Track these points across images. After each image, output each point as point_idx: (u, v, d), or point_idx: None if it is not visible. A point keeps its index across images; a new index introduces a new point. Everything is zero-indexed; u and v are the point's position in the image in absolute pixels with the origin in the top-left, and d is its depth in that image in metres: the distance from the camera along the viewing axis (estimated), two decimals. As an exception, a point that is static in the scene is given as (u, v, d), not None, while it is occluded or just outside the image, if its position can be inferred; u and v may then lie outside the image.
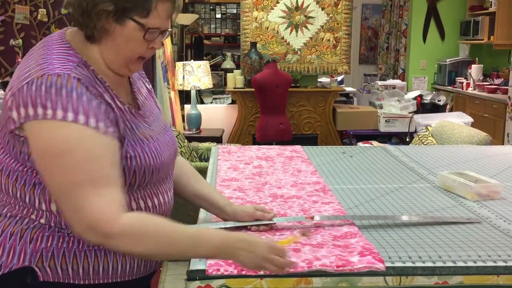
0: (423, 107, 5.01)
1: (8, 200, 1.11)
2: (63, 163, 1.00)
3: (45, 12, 4.13)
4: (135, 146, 1.10)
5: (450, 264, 1.13)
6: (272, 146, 2.38)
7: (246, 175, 1.86)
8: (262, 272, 1.07)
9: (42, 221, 1.09)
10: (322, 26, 5.14)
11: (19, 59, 4.27)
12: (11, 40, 4.12)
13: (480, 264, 1.14)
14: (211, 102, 5.89)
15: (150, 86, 1.34)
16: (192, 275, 1.08)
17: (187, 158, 3.21)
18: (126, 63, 1.13)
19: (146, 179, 1.13)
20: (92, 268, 1.10)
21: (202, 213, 1.45)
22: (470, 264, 1.13)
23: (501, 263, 1.14)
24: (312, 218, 1.35)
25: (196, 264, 1.11)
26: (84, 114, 1.01)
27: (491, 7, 6.26)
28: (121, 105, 1.12)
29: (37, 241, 1.08)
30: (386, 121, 4.89)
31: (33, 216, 1.09)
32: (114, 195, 1.02)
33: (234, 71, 5.29)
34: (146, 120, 1.19)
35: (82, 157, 1.01)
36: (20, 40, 4.08)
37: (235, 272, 1.08)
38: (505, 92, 5.56)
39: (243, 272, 1.08)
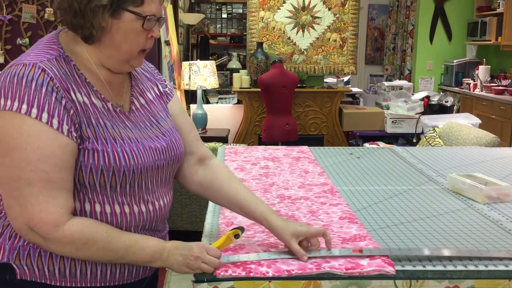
0: (430, 108, 4.98)
1: None
2: (13, 157, 0.99)
3: (52, 11, 4.13)
4: (105, 144, 1.07)
5: (461, 267, 1.11)
6: (279, 147, 2.37)
7: (253, 175, 1.85)
8: (270, 274, 1.06)
9: None
10: (328, 26, 5.13)
11: (26, 58, 4.27)
12: (18, 39, 4.13)
13: (491, 268, 1.12)
14: (217, 102, 5.89)
15: (164, 89, 1.29)
16: (200, 277, 1.07)
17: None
18: (127, 58, 1.11)
19: (126, 180, 1.09)
20: (69, 271, 1.09)
21: (210, 213, 1.44)
22: (481, 268, 1.12)
23: (513, 267, 1.12)
24: (360, 251, 1.14)
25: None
26: (37, 107, 1.00)
27: (498, 8, 6.22)
28: (100, 102, 1.10)
29: (15, 238, 1.08)
30: (393, 122, 4.86)
31: None
32: (60, 198, 1.01)
33: (240, 71, 5.29)
34: (131, 122, 1.15)
35: (33, 154, 0.99)
36: (27, 39, 4.09)
37: (243, 274, 1.06)
38: (513, 93, 5.53)
39: (251, 274, 1.06)
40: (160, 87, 1.29)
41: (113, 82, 1.15)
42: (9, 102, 0.99)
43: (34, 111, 1.00)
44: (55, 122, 1.01)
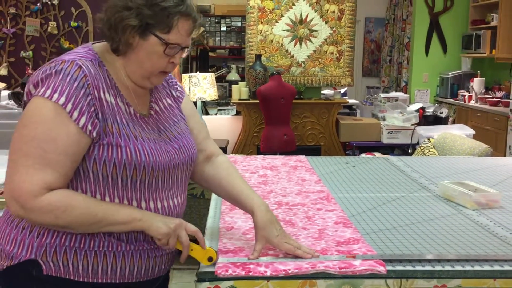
0: (425, 119, 5.06)
1: None
2: (22, 132, 1.10)
3: (55, 25, 4.21)
4: (128, 140, 1.17)
5: (448, 268, 1.18)
6: (277, 156, 2.44)
7: (252, 183, 1.92)
8: (268, 274, 1.12)
9: None
10: (325, 39, 5.22)
11: (29, 71, 4.36)
12: (22, 51, 4.21)
13: (477, 268, 1.18)
14: (216, 113, 5.97)
15: (176, 93, 1.40)
16: (202, 277, 1.13)
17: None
18: (148, 76, 1.22)
19: (145, 175, 1.18)
20: (92, 267, 1.16)
21: (210, 218, 1.51)
22: (468, 268, 1.18)
23: (498, 267, 1.19)
24: (354, 257, 1.20)
25: (205, 267, 1.17)
26: (66, 97, 1.10)
27: (492, 21, 6.33)
28: (123, 105, 1.20)
29: (43, 236, 1.16)
30: (388, 132, 4.94)
31: None
32: (49, 176, 1.09)
33: (239, 83, 5.37)
34: (149, 126, 1.25)
35: (39, 133, 1.09)
36: (31, 52, 4.17)
37: (243, 273, 1.13)
38: (507, 105, 5.61)
39: (251, 274, 1.13)
40: (173, 92, 1.39)
41: (138, 92, 1.26)
42: (43, 90, 1.11)
43: (62, 99, 1.10)
44: (75, 114, 1.11)
